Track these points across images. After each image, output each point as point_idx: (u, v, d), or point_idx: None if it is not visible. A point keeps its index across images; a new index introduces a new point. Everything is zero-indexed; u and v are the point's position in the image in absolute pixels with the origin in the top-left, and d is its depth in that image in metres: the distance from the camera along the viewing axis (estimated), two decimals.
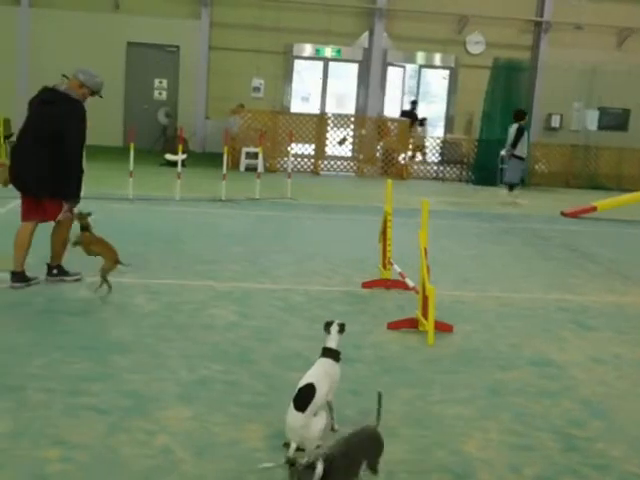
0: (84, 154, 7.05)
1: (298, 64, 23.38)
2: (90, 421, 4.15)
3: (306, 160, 19.68)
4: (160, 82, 22.44)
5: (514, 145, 15.59)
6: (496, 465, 3.99)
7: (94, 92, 6.97)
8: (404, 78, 23.83)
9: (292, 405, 3.87)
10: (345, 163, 20.17)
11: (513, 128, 15.75)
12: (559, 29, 23.05)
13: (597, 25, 22.70)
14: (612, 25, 22.97)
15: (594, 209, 14.43)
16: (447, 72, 23.83)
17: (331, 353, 4.12)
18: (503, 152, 16.69)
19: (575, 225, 13.32)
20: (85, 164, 7.12)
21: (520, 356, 5.85)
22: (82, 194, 6.98)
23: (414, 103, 22.90)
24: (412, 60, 23.53)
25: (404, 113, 22.60)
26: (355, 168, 20.03)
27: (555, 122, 22.78)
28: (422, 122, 22.27)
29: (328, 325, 4.22)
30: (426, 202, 6.15)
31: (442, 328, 6.13)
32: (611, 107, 22.92)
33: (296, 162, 19.13)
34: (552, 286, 8.35)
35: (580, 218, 14.12)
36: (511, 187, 15.93)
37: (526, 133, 15.91)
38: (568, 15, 22.75)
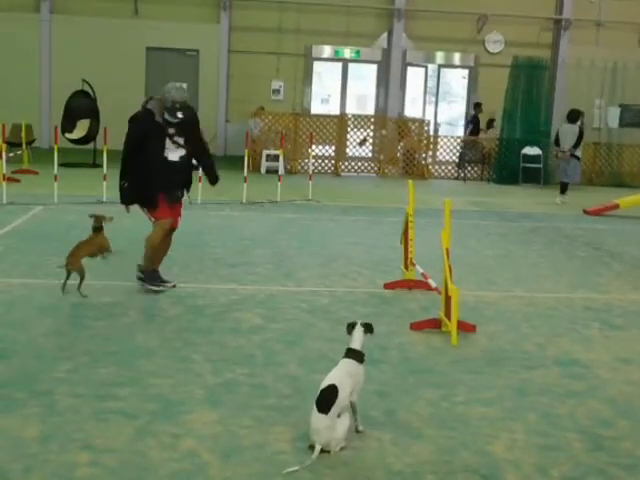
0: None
1: (318, 65, 23.39)
2: (117, 425, 4.19)
3: (327, 161, 19.69)
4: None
5: (576, 146, 15.60)
6: (522, 466, 3.98)
7: (165, 107, 6.92)
8: (426, 78, 23.73)
9: (315, 407, 3.89)
10: (366, 164, 20.15)
11: (570, 128, 15.67)
12: (579, 26, 22.87)
13: (617, 22, 22.49)
14: (633, 22, 22.73)
15: (616, 207, 14.30)
16: (466, 71, 23.73)
17: (354, 354, 4.12)
18: (524, 151, 16.57)
19: (599, 223, 13.22)
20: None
21: (545, 356, 5.83)
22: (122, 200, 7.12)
23: (478, 106, 21.56)
24: (431, 60, 23.46)
25: (472, 119, 21.55)
26: (376, 169, 20.00)
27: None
28: (491, 123, 21.29)
29: (351, 326, 4.22)
30: (449, 202, 6.13)
31: (465, 328, 6.12)
32: (633, 104, 22.70)
33: (317, 164, 19.14)
34: (577, 285, 8.30)
35: (604, 216, 14.01)
36: (564, 187, 15.96)
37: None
38: (588, 12, 22.60)
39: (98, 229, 6.95)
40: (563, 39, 22.91)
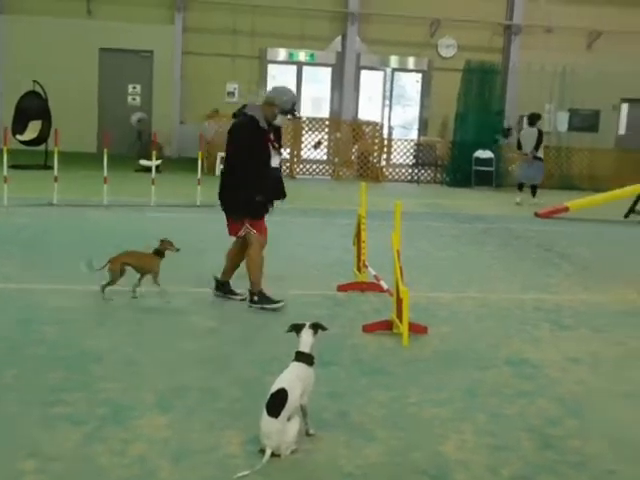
0: None
1: (272, 68, 23.37)
2: (66, 431, 4.11)
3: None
4: (134, 87, 22.34)
5: (537, 147, 16.04)
6: (472, 466, 4.01)
7: (285, 111, 6.76)
8: (385, 81, 23.86)
9: (265, 411, 3.87)
10: (321, 167, 20.19)
11: (530, 131, 16.19)
12: (529, 32, 23.25)
13: (567, 27, 22.93)
14: (581, 27, 23.21)
15: (566, 209, 14.57)
16: (420, 75, 23.93)
17: (303, 357, 4.10)
18: (476, 154, 16.90)
19: (550, 226, 13.43)
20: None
21: (496, 356, 5.89)
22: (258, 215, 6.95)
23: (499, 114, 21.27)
24: (386, 64, 23.62)
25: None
26: (331, 171, 20.06)
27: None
28: (506, 133, 20.93)
29: (298, 328, 4.20)
30: (398, 204, 6.18)
31: (417, 330, 6.16)
32: (582, 108, 23.15)
33: None
34: (528, 286, 8.41)
35: (555, 218, 14.24)
36: (520, 187, 16.46)
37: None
38: (538, 18, 22.97)
39: (158, 252, 6.80)
40: (514, 44, 23.27)
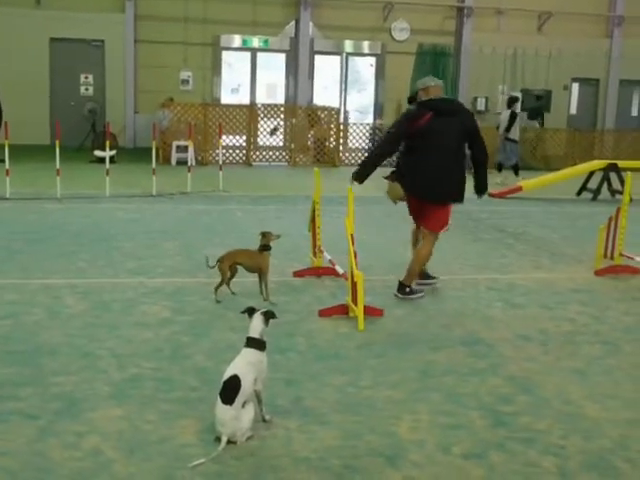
0: None
1: (226, 55, 23.22)
2: (18, 426, 4.09)
3: (238, 152, 19.59)
4: (86, 77, 22.02)
5: (508, 129, 16.35)
6: (426, 445, 4.08)
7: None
8: (342, 66, 23.83)
9: (219, 399, 3.89)
10: (277, 153, 20.14)
11: (506, 113, 16.59)
12: (481, 14, 23.43)
13: (517, 9, 23.17)
14: (532, 9, 23.46)
15: (520, 189, 14.77)
16: (374, 59, 23.97)
17: (254, 342, 4.11)
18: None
19: (504, 206, 13.61)
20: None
21: (450, 337, 5.97)
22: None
23: (539, 98, 22.65)
24: (340, 48, 23.60)
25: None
26: (287, 158, 20.03)
27: (481, 105, 23.16)
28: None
29: (251, 312, 4.22)
30: (350, 189, 6.23)
31: (372, 313, 6.22)
32: (534, 89, 23.41)
33: (228, 154, 19.03)
34: (482, 266, 8.54)
35: (508, 198, 14.43)
36: (500, 168, 16.68)
37: (518, 117, 16.70)
38: (489, 0, 23.14)
39: (265, 247, 6.73)
40: (466, 27, 23.42)
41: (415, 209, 7.24)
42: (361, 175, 6.98)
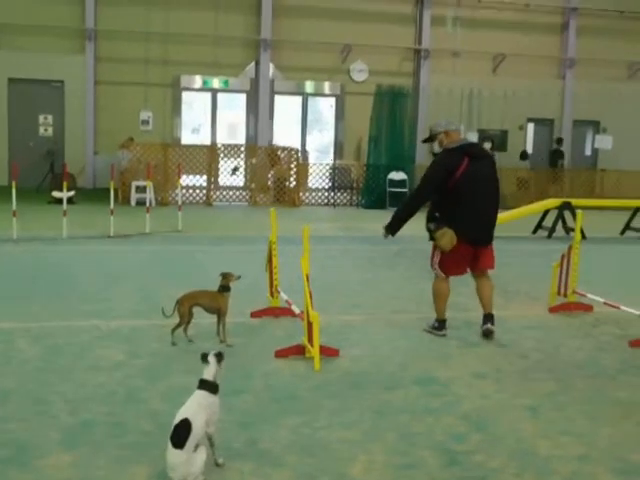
0: None
1: (187, 95, 23.34)
2: None
3: (198, 191, 19.62)
4: (45, 118, 21.95)
5: None
6: None
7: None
8: (301, 107, 24.09)
9: (170, 443, 3.86)
10: (238, 193, 20.20)
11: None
12: (438, 56, 23.92)
13: (473, 52, 23.70)
14: (487, 51, 24.03)
15: None
16: (334, 100, 24.26)
17: (206, 385, 4.10)
18: (390, 176, 17.31)
19: None
20: None
21: (405, 376, 6.00)
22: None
23: (559, 141, 23.93)
24: (300, 89, 23.87)
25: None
26: (248, 197, 20.09)
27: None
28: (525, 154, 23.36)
29: (204, 356, 4.22)
30: (306, 229, 6.28)
31: (328, 353, 6.23)
32: (490, 129, 23.87)
33: (188, 194, 19.05)
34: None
35: None
36: None
37: None
38: (445, 43, 23.66)
39: (224, 288, 6.65)
40: (423, 68, 23.88)
41: (464, 255, 7.25)
42: (395, 228, 7.22)
